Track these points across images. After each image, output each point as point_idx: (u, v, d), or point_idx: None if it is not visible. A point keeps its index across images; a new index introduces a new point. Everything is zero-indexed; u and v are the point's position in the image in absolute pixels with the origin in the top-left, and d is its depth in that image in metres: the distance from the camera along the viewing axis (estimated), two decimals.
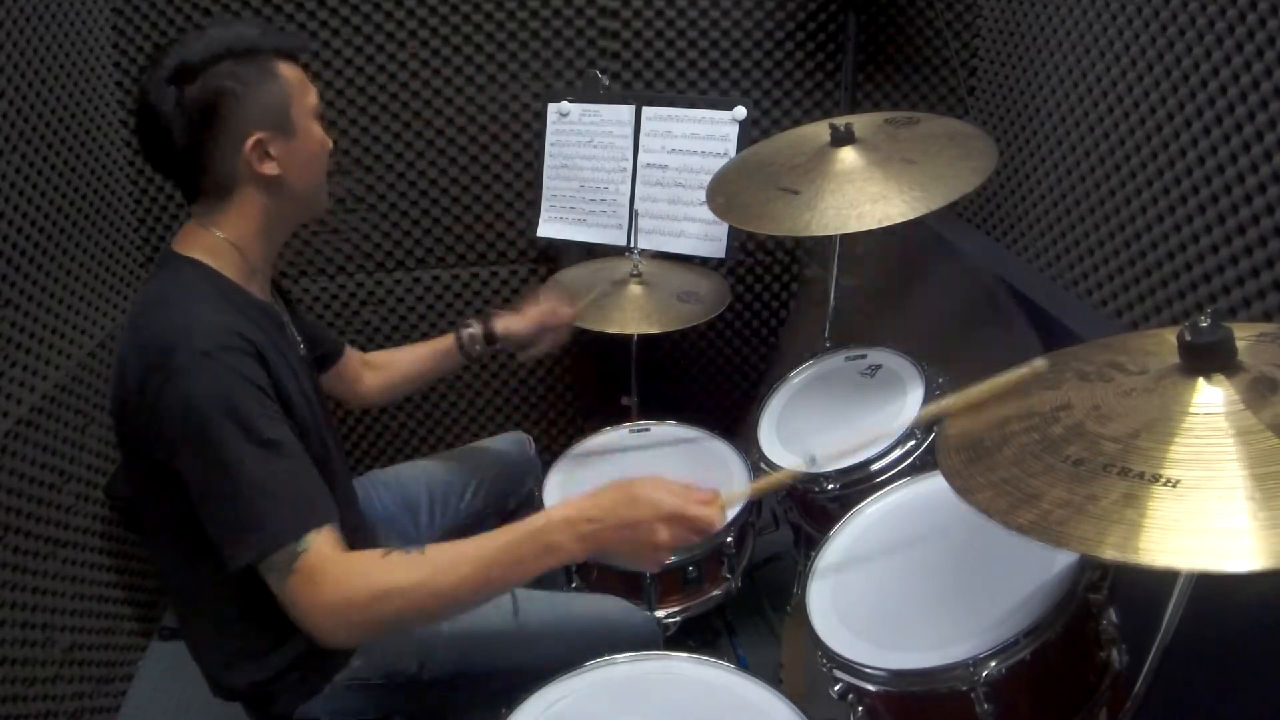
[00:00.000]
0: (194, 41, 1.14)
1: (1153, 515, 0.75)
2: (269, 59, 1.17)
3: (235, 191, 1.18)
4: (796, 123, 2.24)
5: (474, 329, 1.63)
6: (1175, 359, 0.88)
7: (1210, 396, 0.83)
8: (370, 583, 1.02)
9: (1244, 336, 0.88)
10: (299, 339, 1.34)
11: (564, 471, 1.73)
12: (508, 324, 1.64)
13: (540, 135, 2.24)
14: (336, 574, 1.02)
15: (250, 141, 1.15)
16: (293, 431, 1.13)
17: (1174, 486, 0.77)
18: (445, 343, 1.65)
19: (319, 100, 1.25)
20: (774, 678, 1.46)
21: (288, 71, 1.20)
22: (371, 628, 1.07)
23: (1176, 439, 0.81)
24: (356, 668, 1.25)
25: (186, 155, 1.15)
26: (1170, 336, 0.91)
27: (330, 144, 1.27)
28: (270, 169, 1.18)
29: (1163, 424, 0.83)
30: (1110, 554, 0.74)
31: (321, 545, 1.02)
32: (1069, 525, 0.78)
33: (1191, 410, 0.83)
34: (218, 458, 1.03)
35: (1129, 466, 0.80)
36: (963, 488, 0.89)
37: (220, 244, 1.19)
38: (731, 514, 1.26)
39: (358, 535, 1.37)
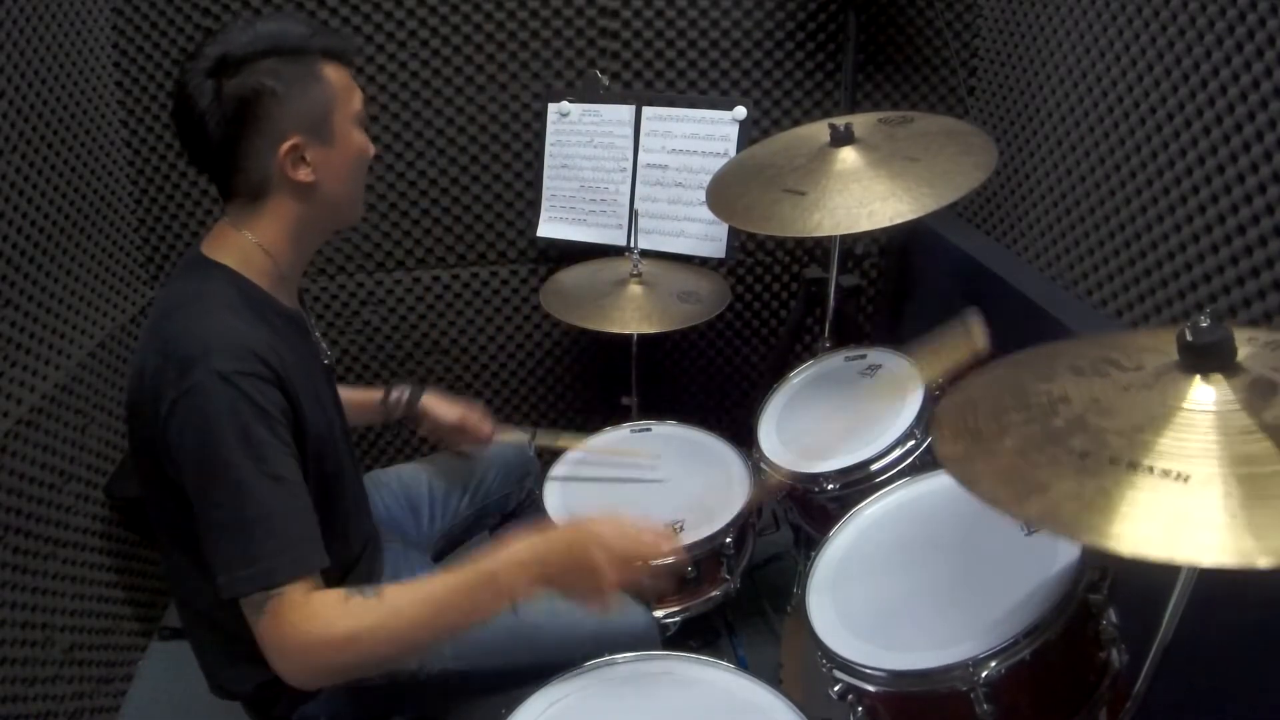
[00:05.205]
0: (239, 33, 1.09)
1: (1161, 509, 0.75)
2: (315, 60, 1.13)
3: (268, 195, 1.14)
4: (796, 123, 2.24)
5: (403, 394, 1.63)
6: (1175, 357, 0.88)
7: (1204, 395, 0.83)
8: (330, 630, 1.01)
9: (1253, 341, 0.88)
10: (323, 345, 1.33)
11: (564, 472, 1.73)
12: (434, 405, 1.63)
13: (540, 135, 2.24)
14: (298, 620, 1.00)
15: (286, 145, 1.11)
16: (308, 452, 1.13)
17: (1186, 482, 0.77)
18: (373, 395, 1.63)
19: (364, 105, 1.19)
20: (774, 678, 1.46)
21: (333, 74, 1.15)
22: (333, 672, 1.06)
23: (1171, 434, 0.81)
24: None
25: (221, 152, 1.11)
26: (1168, 337, 0.90)
27: (372, 151, 1.23)
28: (304, 175, 1.13)
29: (1162, 419, 0.83)
30: (1126, 548, 0.73)
31: (294, 591, 1.01)
32: (1082, 517, 0.78)
33: (1185, 406, 0.83)
34: (226, 484, 1.01)
35: (1136, 460, 0.80)
36: (966, 478, 0.88)
37: (251, 248, 1.16)
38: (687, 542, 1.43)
39: (369, 540, 1.38)
